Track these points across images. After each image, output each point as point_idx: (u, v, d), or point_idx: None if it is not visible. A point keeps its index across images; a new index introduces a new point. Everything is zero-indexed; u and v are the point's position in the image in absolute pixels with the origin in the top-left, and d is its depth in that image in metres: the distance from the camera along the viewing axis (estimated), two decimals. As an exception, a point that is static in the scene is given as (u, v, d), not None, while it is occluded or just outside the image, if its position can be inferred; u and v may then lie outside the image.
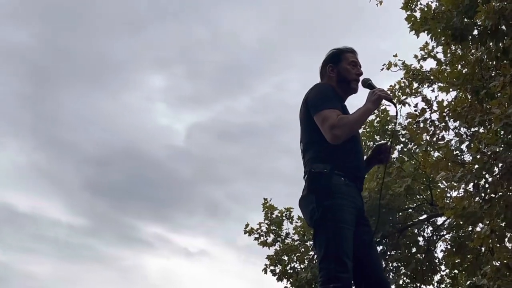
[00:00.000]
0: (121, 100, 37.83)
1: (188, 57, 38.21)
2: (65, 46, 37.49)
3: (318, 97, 3.62)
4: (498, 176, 8.80)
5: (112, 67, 38.34)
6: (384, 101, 3.78)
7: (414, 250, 14.91)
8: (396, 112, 4.00)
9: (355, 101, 3.77)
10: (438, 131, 11.21)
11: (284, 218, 16.24)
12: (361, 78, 3.81)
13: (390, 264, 14.62)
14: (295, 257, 15.86)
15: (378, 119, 14.08)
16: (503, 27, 8.86)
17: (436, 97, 12.16)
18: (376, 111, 13.94)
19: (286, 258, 15.91)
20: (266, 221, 16.20)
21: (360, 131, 13.00)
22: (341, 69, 3.80)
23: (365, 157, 3.85)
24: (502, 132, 8.61)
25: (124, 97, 38.07)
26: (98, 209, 35.92)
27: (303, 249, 15.78)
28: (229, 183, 35.53)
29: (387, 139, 13.96)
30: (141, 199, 36.31)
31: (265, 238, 16.11)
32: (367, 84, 3.75)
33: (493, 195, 9.07)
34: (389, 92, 3.72)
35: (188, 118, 39.09)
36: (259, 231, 16.12)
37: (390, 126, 14.22)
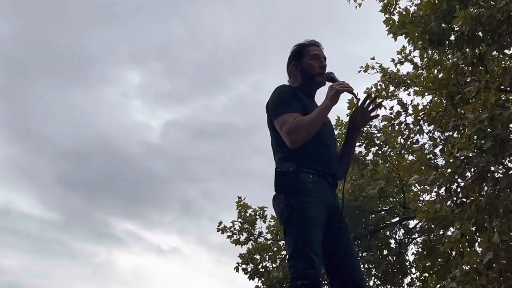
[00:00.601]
0: (97, 95, 37.58)
1: (165, 54, 38.05)
2: (41, 38, 37.18)
3: (276, 102, 3.60)
4: (470, 180, 8.87)
5: (88, 61, 38.05)
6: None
7: (385, 252, 15.01)
8: (357, 104, 3.91)
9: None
10: (412, 135, 11.31)
11: (257, 217, 16.26)
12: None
13: (362, 266, 14.69)
14: (267, 256, 15.88)
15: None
16: (480, 33, 8.92)
17: (411, 100, 12.25)
18: (351, 112, 13.97)
19: (258, 257, 15.93)
20: (240, 220, 16.21)
21: (336, 132, 13.04)
22: (304, 65, 3.77)
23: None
24: (475, 137, 8.68)
25: (100, 92, 37.82)
26: (71, 204, 35.66)
27: (275, 249, 15.81)
28: (203, 181, 35.47)
29: (362, 140, 14.02)
30: (114, 195, 36.14)
31: (238, 237, 16.13)
32: (330, 77, 3.70)
33: (464, 200, 9.14)
34: (350, 84, 3.63)
35: (164, 115, 38.93)
36: (232, 229, 16.13)
37: (365, 128, 14.27)
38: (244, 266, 15.87)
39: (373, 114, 3.79)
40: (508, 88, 10.09)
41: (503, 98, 9.28)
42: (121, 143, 37.57)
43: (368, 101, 3.74)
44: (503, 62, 11.07)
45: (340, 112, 16.07)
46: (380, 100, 13.13)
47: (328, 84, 3.66)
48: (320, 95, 3.66)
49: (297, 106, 3.56)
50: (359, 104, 3.76)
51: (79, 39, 38.03)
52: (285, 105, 3.55)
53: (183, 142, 36.52)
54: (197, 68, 37.99)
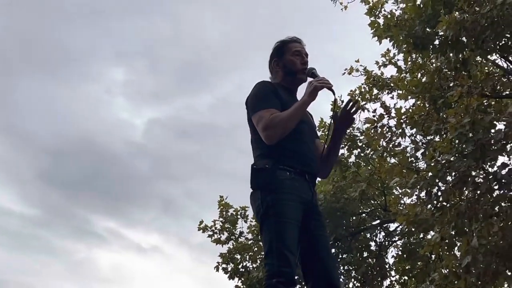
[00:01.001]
0: (80, 92, 37.30)
1: (150, 52, 37.91)
2: (24, 33, 36.87)
3: (254, 98, 3.60)
4: (450, 184, 8.93)
5: (72, 57, 37.78)
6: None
7: (365, 254, 15.05)
8: (335, 100, 3.91)
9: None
10: (394, 138, 11.35)
11: (239, 216, 16.25)
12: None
13: (341, 267, 14.73)
14: (247, 256, 15.87)
15: (330, 120, 14.14)
16: (464, 38, 8.97)
17: (395, 104, 12.30)
18: (331, 112, 13.98)
19: (238, 256, 15.92)
20: (221, 219, 16.20)
21: (319, 134, 13.05)
22: (285, 61, 3.77)
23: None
24: (457, 142, 8.73)
25: (83, 89, 37.56)
26: (52, 201, 35.43)
27: (256, 249, 15.81)
28: (186, 180, 35.38)
29: (345, 142, 14.05)
30: (95, 193, 35.90)
31: (219, 236, 16.11)
32: (311, 73, 3.70)
33: (445, 203, 9.20)
34: (329, 80, 3.61)
35: (147, 113, 38.70)
36: (213, 228, 16.11)
37: (348, 130, 14.30)
38: (224, 265, 15.86)
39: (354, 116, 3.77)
40: (490, 94, 10.17)
41: (485, 103, 9.35)
42: (103, 141, 37.40)
43: (350, 104, 3.71)
44: (486, 68, 11.17)
45: (323, 113, 16.06)
46: (364, 103, 13.18)
47: (309, 80, 3.67)
48: (302, 92, 3.66)
49: (275, 102, 3.55)
50: (342, 108, 3.73)
51: (64, 35, 37.81)
52: (263, 101, 3.55)
53: (166, 141, 36.41)
54: (182, 67, 37.92)
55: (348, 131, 14.13)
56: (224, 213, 16.19)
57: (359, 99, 13.29)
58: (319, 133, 13.94)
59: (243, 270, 15.71)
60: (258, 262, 15.54)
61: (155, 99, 38.04)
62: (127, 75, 37.48)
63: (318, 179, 3.83)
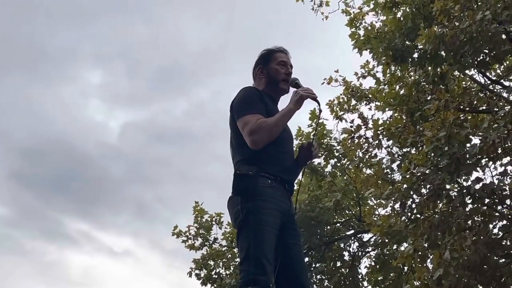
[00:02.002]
0: (56, 92, 36.99)
1: (128, 55, 37.62)
2: (1, 32, 36.56)
3: (241, 102, 3.61)
4: (425, 197, 8.97)
5: (49, 58, 37.42)
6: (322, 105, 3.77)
7: (339, 264, 15.08)
8: (320, 111, 3.96)
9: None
10: (371, 149, 11.41)
11: (213, 222, 16.21)
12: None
13: (314, 276, 14.74)
14: (221, 263, 15.84)
15: (314, 132, 14.19)
16: (442, 52, 9.05)
17: (372, 115, 12.33)
18: (313, 124, 14.04)
19: (212, 263, 15.88)
20: (195, 225, 16.15)
21: (296, 143, 13.07)
22: (270, 69, 3.80)
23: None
24: (432, 155, 8.79)
25: (59, 90, 37.24)
26: (24, 201, 35.00)
27: (230, 255, 15.79)
28: (160, 185, 35.18)
29: (322, 152, 14.08)
30: (68, 194, 35.56)
31: (193, 242, 16.05)
32: (294, 83, 3.75)
33: (418, 216, 9.24)
34: (314, 91, 3.65)
35: (123, 116, 38.47)
36: (188, 234, 16.05)
37: (326, 140, 14.35)
38: (197, 271, 15.81)
39: (313, 154, 3.80)
40: (467, 108, 10.26)
41: (461, 118, 9.42)
42: (78, 142, 37.07)
43: (309, 146, 3.76)
44: (464, 82, 11.26)
45: (301, 123, 16.10)
46: (342, 113, 13.22)
47: (292, 90, 3.69)
48: (283, 103, 3.69)
49: (261, 108, 3.57)
50: (301, 146, 3.78)
51: (42, 35, 37.52)
52: (249, 105, 3.56)
53: (141, 145, 36.18)
54: (159, 72, 37.74)
55: (324, 141, 14.20)
56: (199, 218, 16.14)
57: (338, 109, 13.34)
58: (296, 142, 14.10)
59: (216, 276, 15.67)
60: (232, 269, 15.51)
61: (131, 102, 37.89)
62: (104, 77, 37.29)
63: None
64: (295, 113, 3.57)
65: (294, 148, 3.91)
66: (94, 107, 37.59)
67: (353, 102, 13.19)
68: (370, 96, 12.81)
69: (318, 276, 14.82)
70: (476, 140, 8.89)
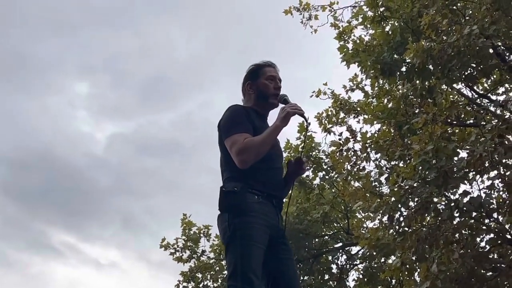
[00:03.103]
0: (42, 103, 36.84)
1: (115, 67, 37.48)
2: (-14, 43, 36.41)
3: (227, 122, 3.61)
4: (413, 210, 9.00)
5: (36, 68, 37.29)
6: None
7: (327, 277, 15.07)
8: (307, 127, 3.98)
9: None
10: (359, 162, 11.44)
11: (201, 235, 16.17)
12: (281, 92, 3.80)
13: (302, 289, 14.72)
14: (209, 275, 15.80)
15: (302, 144, 14.22)
16: (430, 66, 9.11)
17: (361, 128, 12.35)
18: (301, 136, 14.07)
19: (200, 275, 15.83)
20: (183, 237, 16.09)
21: (284, 155, 13.10)
22: (259, 84, 3.79)
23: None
24: (420, 168, 8.82)
25: (45, 101, 37.08)
26: (9, 212, 34.64)
27: (218, 268, 15.75)
28: (147, 197, 34.98)
29: (310, 164, 14.11)
30: (54, 206, 35.26)
31: (181, 254, 15.99)
32: (283, 99, 3.74)
33: (406, 229, 9.26)
34: (301, 106, 3.65)
35: (110, 127, 38.26)
36: (175, 246, 15.99)
37: (314, 153, 14.38)
38: (185, 284, 15.76)
39: (303, 169, 3.84)
40: (455, 122, 10.32)
41: (449, 131, 9.48)
42: (64, 153, 36.82)
43: (298, 161, 3.79)
44: (451, 96, 11.33)
45: (290, 135, 16.11)
46: (330, 126, 13.25)
47: (281, 106, 3.70)
48: (273, 117, 3.69)
49: (248, 127, 3.57)
50: (292, 162, 3.81)
51: (28, 46, 37.33)
52: (236, 125, 3.56)
53: (128, 156, 36.03)
54: (146, 83, 37.59)
55: (313, 154, 14.23)
56: (186, 231, 16.10)
57: (326, 122, 13.37)
58: (285, 155, 14.11)
59: (204, 289, 15.62)
60: (220, 281, 15.47)
61: (118, 114, 37.73)
62: (91, 88, 37.14)
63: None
64: (282, 130, 3.56)
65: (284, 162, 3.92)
66: (81, 118, 37.44)
67: (342, 115, 13.24)
68: (358, 109, 12.86)
69: (306, 289, 14.80)
70: (463, 154, 8.95)
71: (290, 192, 3.84)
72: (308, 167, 14.02)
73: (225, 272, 15.31)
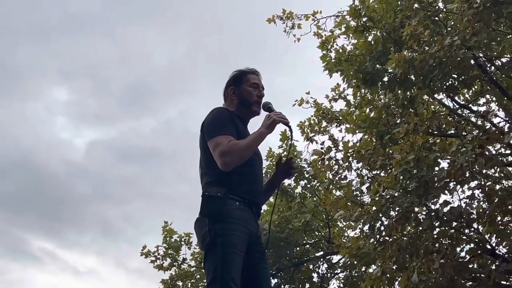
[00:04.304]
0: (20, 109, 36.59)
1: (94, 73, 37.22)
2: (-36, 48, 36.11)
3: (212, 123, 3.61)
4: (393, 219, 9.02)
5: (14, 74, 36.99)
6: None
7: (307, 285, 15.03)
8: (291, 137, 3.99)
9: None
10: (341, 171, 11.47)
11: (182, 243, 16.10)
12: (263, 100, 3.82)
13: (283, 298, 14.69)
14: (189, 283, 15.72)
15: (285, 153, 14.22)
16: (412, 76, 9.16)
17: (343, 137, 12.38)
18: (284, 145, 14.09)
19: (180, 283, 15.75)
20: (164, 245, 16.01)
21: (266, 164, 13.08)
22: (242, 91, 3.80)
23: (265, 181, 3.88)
24: (401, 177, 8.86)
25: (23, 107, 36.80)
26: (-14, 219, 34.39)
27: (198, 276, 15.66)
28: (125, 204, 34.83)
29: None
30: (32, 212, 34.98)
31: (162, 262, 15.90)
32: (267, 107, 3.76)
33: (387, 238, 9.29)
34: (286, 115, 3.67)
35: (89, 134, 38.02)
36: (156, 254, 15.91)
37: (296, 161, 14.37)
38: (165, 292, 15.67)
39: (292, 169, 3.87)
40: (436, 132, 10.38)
41: (430, 141, 9.54)
42: (42, 160, 36.52)
43: (288, 162, 3.84)
44: (433, 106, 11.41)
45: (272, 143, 16.11)
46: (312, 134, 13.27)
47: (264, 113, 3.70)
48: (253, 125, 3.70)
49: (232, 130, 3.57)
50: (282, 162, 3.83)
51: (5, 52, 37.08)
52: (220, 127, 3.56)
53: (107, 163, 35.83)
54: (126, 90, 37.42)
55: (296, 162, 14.21)
56: (167, 238, 16.02)
57: (308, 130, 13.40)
58: (266, 163, 14.12)
59: (184, 297, 15.55)
60: (200, 289, 15.41)
61: (98, 121, 37.54)
62: (70, 94, 36.95)
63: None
64: (266, 137, 3.57)
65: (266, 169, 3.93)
66: (60, 124, 37.26)
67: (324, 124, 13.26)
68: (340, 118, 12.88)
69: (287, 298, 14.77)
70: (444, 164, 9.01)
71: (275, 196, 3.87)
72: (297, 169, 14.02)
73: (206, 281, 15.26)
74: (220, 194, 3.45)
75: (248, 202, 3.53)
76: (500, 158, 9.42)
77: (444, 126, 10.88)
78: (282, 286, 14.66)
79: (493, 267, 9.17)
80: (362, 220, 9.50)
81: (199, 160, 3.69)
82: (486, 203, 9.26)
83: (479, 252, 9.44)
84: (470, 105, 12.07)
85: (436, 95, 10.46)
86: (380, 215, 9.20)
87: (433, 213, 8.79)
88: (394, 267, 9.26)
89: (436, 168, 8.78)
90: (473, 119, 11.14)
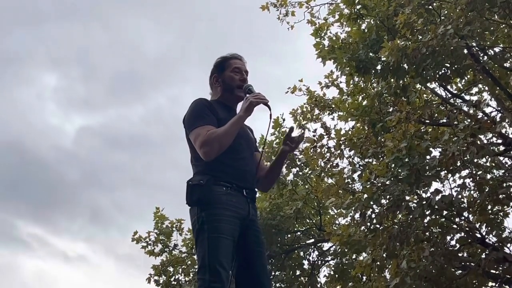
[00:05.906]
0: (10, 95, 36.36)
1: (85, 60, 37.00)
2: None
3: (190, 116, 3.62)
4: (384, 207, 9.06)
5: (3, 59, 36.75)
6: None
7: (298, 272, 15.09)
8: (270, 115, 3.94)
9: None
10: (333, 158, 11.47)
11: (174, 229, 16.12)
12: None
13: (274, 285, 14.73)
14: (180, 269, 15.74)
15: (277, 140, 14.22)
16: (405, 65, 9.16)
17: (335, 125, 12.38)
18: (276, 132, 14.10)
19: (171, 269, 15.77)
20: (156, 231, 16.03)
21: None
22: (225, 77, 3.79)
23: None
24: (393, 166, 8.88)
25: (13, 92, 36.58)
26: (-26, 204, 34.27)
27: (189, 262, 15.69)
28: (115, 190, 34.82)
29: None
30: (22, 198, 34.86)
31: (153, 248, 15.92)
32: (247, 90, 3.72)
33: (378, 226, 9.33)
34: (265, 95, 3.63)
35: (78, 120, 37.87)
36: (147, 239, 15.93)
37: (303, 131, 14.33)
38: (156, 277, 15.69)
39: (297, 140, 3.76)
40: (428, 121, 10.40)
41: (422, 130, 9.55)
42: (32, 145, 36.39)
43: (292, 133, 3.74)
44: (425, 95, 11.43)
45: (264, 131, 16.07)
46: (305, 122, 13.28)
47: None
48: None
49: (211, 119, 3.57)
50: (286, 134, 3.76)
51: (-4, 37, 36.93)
52: (198, 118, 3.57)
53: (97, 149, 35.74)
54: (116, 77, 37.28)
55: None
56: (159, 224, 16.04)
57: (301, 118, 13.41)
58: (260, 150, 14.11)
59: (175, 283, 15.56)
60: (191, 275, 15.42)
61: (88, 107, 37.38)
62: (60, 81, 36.78)
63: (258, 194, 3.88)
64: (245, 120, 3.57)
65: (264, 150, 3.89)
66: (50, 110, 37.11)
67: (316, 111, 13.27)
68: (333, 106, 12.90)
69: (278, 285, 14.81)
70: (436, 153, 9.03)
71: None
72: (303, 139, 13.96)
73: (197, 266, 15.29)
74: (203, 182, 3.46)
75: (237, 186, 3.53)
76: (492, 148, 9.46)
77: (436, 115, 10.90)
78: (273, 273, 14.71)
79: (483, 256, 9.24)
80: (353, 208, 9.55)
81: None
82: (477, 192, 9.31)
83: (469, 240, 9.49)
84: (463, 94, 12.10)
85: (428, 84, 10.47)
86: (371, 203, 9.24)
87: (424, 202, 8.83)
88: (384, 255, 9.31)
89: (428, 157, 8.80)
90: (465, 108, 11.18)
